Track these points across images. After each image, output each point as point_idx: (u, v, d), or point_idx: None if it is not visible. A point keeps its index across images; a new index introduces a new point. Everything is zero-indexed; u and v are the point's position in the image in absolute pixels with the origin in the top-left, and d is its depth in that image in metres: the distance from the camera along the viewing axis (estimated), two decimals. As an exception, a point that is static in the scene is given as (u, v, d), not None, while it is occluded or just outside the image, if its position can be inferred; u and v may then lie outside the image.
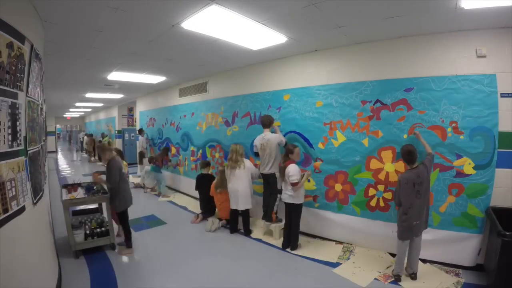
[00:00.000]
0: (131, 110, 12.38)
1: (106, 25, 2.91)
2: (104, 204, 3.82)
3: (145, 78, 5.93)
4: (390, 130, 3.34)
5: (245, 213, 4.13)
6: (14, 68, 1.83)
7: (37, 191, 2.28)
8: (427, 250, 3.00)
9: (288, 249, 3.60)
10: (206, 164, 5.14)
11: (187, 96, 6.51)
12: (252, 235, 4.12)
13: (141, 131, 8.50)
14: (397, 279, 2.84)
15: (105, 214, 3.93)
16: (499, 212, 2.70)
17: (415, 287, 2.74)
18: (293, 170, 3.42)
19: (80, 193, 3.85)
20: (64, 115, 19.96)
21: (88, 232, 3.50)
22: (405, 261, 2.88)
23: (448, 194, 3.04)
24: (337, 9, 2.57)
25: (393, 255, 3.23)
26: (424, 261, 3.08)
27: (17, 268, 1.79)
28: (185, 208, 5.60)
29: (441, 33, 3.04)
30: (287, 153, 3.57)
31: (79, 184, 4.22)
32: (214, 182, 4.59)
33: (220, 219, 4.55)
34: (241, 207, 4.05)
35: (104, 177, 3.73)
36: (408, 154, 2.81)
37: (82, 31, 3.06)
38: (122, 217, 3.61)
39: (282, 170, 3.55)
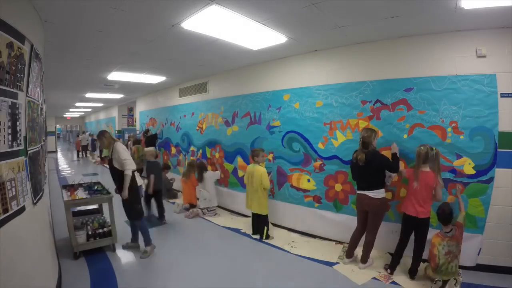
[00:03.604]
0: (131, 110, 12.39)
1: (106, 25, 2.91)
2: (105, 205, 3.80)
3: (145, 78, 5.93)
4: (390, 130, 3.34)
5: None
6: (14, 68, 1.83)
7: (37, 191, 2.28)
8: (427, 249, 2.99)
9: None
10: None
11: (187, 96, 6.51)
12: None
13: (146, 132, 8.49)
14: None
15: (105, 214, 3.92)
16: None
17: (414, 287, 2.74)
18: None
19: (82, 193, 3.83)
20: (64, 115, 19.99)
21: (90, 233, 3.48)
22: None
23: (448, 194, 3.04)
24: (337, 9, 2.57)
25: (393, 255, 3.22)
26: (423, 260, 3.08)
27: (17, 268, 1.79)
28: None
29: (441, 33, 3.04)
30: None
31: (80, 185, 4.21)
32: (183, 171, 5.30)
33: (183, 204, 5.39)
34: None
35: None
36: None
37: (82, 31, 3.06)
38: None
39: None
